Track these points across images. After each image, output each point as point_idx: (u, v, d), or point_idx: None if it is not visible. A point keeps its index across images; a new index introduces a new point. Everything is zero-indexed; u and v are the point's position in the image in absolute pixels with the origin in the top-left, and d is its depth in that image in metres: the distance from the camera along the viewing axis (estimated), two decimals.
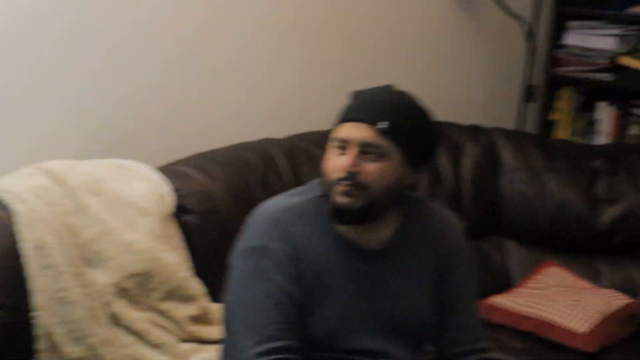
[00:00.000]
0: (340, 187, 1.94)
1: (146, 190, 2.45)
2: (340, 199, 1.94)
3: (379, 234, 2.04)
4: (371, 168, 1.94)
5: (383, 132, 1.93)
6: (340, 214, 1.96)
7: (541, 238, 3.34)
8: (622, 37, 3.99)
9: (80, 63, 2.64)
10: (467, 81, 3.92)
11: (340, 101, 2.03)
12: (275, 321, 1.93)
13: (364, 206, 1.95)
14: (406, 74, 3.51)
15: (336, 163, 1.96)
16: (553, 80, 4.16)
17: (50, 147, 2.59)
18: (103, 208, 2.33)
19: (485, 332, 2.15)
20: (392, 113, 1.95)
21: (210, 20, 2.94)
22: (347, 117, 1.97)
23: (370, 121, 1.94)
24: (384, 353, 2.03)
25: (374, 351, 2.02)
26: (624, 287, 3.20)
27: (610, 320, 2.93)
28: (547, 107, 4.20)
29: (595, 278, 3.26)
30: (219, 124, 3.01)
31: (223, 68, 3.01)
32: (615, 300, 3.01)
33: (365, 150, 1.94)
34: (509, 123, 3.97)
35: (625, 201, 3.29)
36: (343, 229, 2.00)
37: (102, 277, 2.27)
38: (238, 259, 2.00)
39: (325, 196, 1.98)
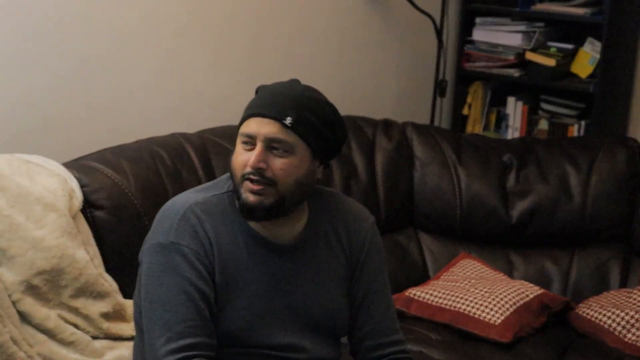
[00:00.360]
0: (248, 184, 1.93)
1: (54, 185, 2.40)
2: (249, 197, 1.93)
3: (291, 229, 2.03)
4: (278, 163, 1.93)
5: (289, 127, 1.92)
6: (250, 211, 1.95)
7: (455, 231, 3.37)
8: (528, 34, 4.08)
9: None
10: (379, 76, 3.94)
11: (250, 96, 2.02)
12: (187, 318, 1.91)
13: (274, 203, 1.94)
14: (318, 69, 3.53)
15: (243, 159, 1.94)
16: (463, 75, 4.24)
17: None
18: (8, 204, 2.28)
19: (400, 324, 2.16)
20: (297, 108, 1.94)
21: (117, 14, 2.90)
22: (253, 112, 1.96)
23: (276, 116, 1.93)
24: (299, 347, 2.03)
25: (289, 346, 2.02)
26: (537, 278, 3.25)
27: (523, 311, 2.96)
28: (459, 102, 4.26)
29: (508, 270, 3.31)
30: (126, 119, 2.97)
31: (130, 62, 2.97)
32: (528, 291, 3.05)
33: (272, 145, 1.93)
34: (422, 118, 4.01)
35: (535, 194, 3.33)
36: (254, 224, 2.00)
37: (8, 275, 2.22)
38: (148, 255, 1.97)
39: (235, 191, 1.97)
